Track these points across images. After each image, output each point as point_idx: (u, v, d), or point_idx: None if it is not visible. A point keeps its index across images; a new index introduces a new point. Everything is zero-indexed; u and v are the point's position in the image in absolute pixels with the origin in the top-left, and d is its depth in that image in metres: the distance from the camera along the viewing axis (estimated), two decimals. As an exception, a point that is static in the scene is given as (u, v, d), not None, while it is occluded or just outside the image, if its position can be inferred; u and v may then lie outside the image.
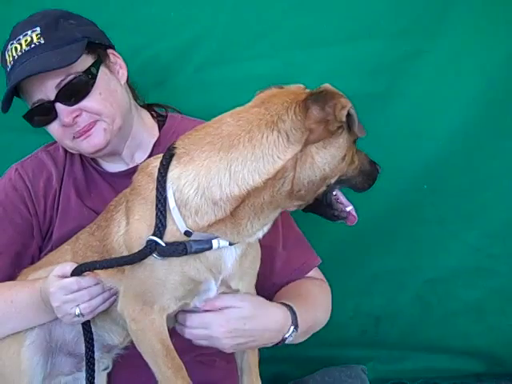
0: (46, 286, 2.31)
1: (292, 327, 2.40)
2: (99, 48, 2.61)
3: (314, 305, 2.61)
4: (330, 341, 3.17)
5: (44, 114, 2.55)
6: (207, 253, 2.10)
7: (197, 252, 2.06)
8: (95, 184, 2.72)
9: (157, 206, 2.09)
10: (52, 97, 2.50)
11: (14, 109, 2.88)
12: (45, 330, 2.45)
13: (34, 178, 2.68)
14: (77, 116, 2.51)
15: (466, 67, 3.07)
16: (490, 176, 3.22)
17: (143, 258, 2.09)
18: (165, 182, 2.05)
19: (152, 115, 2.86)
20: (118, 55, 2.70)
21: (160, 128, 2.81)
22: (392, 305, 3.46)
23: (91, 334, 2.35)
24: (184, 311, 2.26)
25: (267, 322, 2.35)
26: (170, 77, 3.10)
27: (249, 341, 2.32)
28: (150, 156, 2.70)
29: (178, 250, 2.06)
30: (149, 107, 2.88)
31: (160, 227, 2.07)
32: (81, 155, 2.72)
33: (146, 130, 2.78)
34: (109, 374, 2.61)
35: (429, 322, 3.48)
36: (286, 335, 2.39)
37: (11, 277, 2.61)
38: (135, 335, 2.20)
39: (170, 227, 2.08)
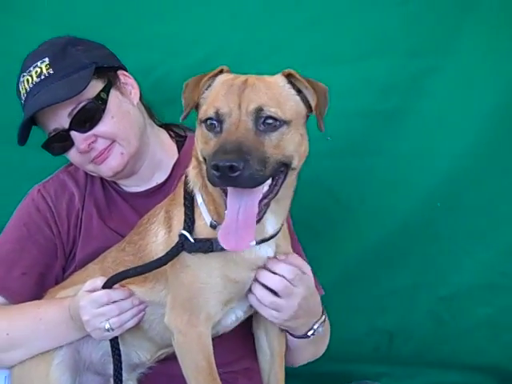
0: (76, 302, 2.40)
1: (324, 316, 2.52)
2: (108, 71, 2.72)
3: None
4: (343, 357, 3.25)
5: (61, 142, 2.68)
6: (244, 254, 2.21)
7: (223, 249, 2.13)
8: (115, 204, 2.83)
9: (184, 202, 2.25)
10: (66, 125, 2.63)
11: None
12: (73, 350, 2.53)
13: (57, 198, 2.78)
14: (92, 142, 2.64)
15: (478, 85, 3.18)
16: (503, 193, 3.31)
17: (175, 255, 2.20)
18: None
19: (170, 135, 2.96)
20: (129, 75, 2.81)
21: (179, 148, 2.91)
22: (406, 321, 3.54)
23: (119, 351, 2.43)
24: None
25: (316, 302, 2.48)
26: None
27: (302, 315, 2.39)
28: (170, 176, 2.83)
29: (204, 246, 2.18)
30: (166, 127, 2.98)
31: (188, 221, 2.21)
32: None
33: (165, 149, 2.89)
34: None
35: (442, 339, 3.56)
36: (316, 325, 2.48)
37: (36, 297, 2.69)
38: (181, 349, 2.29)
39: (198, 222, 2.23)
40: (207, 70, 3.09)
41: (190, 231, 2.21)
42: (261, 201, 2.08)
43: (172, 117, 3.01)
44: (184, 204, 2.26)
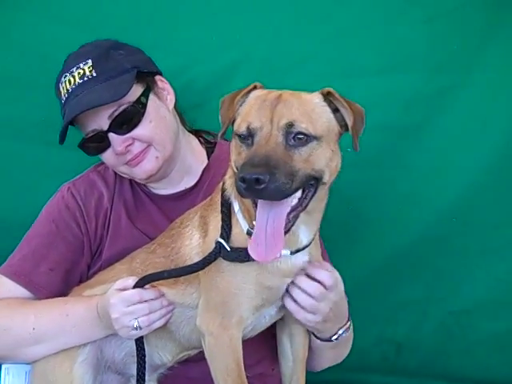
0: (105, 300, 2.45)
1: (349, 322, 2.62)
2: (147, 76, 2.78)
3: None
4: (351, 366, 3.27)
5: (98, 142, 2.73)
6: (279, 264, 2.28)
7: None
8: (143, 206, 2.88)
9: (221, 210, 2.32)
10: (105, 127, 2.68)
11: (54, 124, 3.08)
12: (96, 348, 2.58)
13: (86, 197, 2.83)
14: (129, 145, 2.69)
15: (501, 103, 3.22)
16: (518, 211, 3.39)
17: (212, 261, 2.27)
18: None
19: (200, 141, 3.02)
20: (166, 81, 2.87)
21: (209, 154, 2.97)
22: (415, 333, 3.58)
23: (144, 351, 2.48)
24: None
25: (344, 307, 2.58)
26: (208, 100, 3.18)
27: (331, 318, 2.48)
28: (198, 181, 2.89)
29: (241, 256, 2.24)
30: (196, 133, 3.04)
31: (225, 228, 2.28)
32: None
33: (195, 155, 2.94)
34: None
35: (450, 352, 3.60)
36: (341, 331, 2.58)
37: (61, 293, 2.74)
38: (211, 351, 2.34)
39: (234, 230, 2.30)
40: (233, 76, 3.22)
41: (227, 239, 2.27)
42: (289, 213, 2.14)
43: (194, 121, 3.11)
44: (221, 211, 2.32)
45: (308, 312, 2.41)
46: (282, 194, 2.04)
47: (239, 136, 2.17)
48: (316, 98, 2.23)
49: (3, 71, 3.20)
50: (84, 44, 2.81)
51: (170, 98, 2.85)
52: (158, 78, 2.84)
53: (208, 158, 2.96)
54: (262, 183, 1.97)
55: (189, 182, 2.90)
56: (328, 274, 2.39)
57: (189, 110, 3.06)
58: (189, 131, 2.98)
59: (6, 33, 3.18)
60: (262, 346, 2.71)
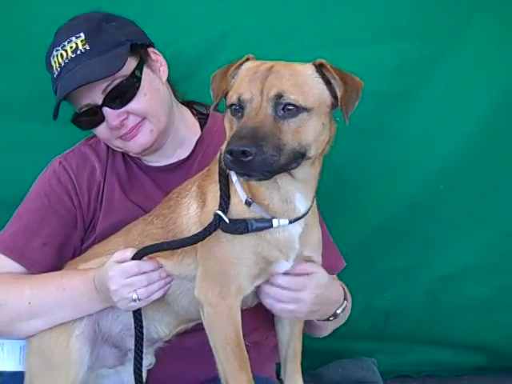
0: (103, 272, 2.45)
1: (345, 302, 2.66)
2: (141, 49, 2.74)
3: (348, 294, 2.80)
4: (340, 334, 3.32)
5: (92, 117, 2.69)
6: (276, 234, 2.29)
7: (258, 230, 2.24)
8: (137, 178, 2.86)
9: (219, 180, 2.31)
10: (99, 101, 2.64)
11: (41, 100, 3.03)
12: (93, 322, 2.57)
13: (78, 170, 2.80)
14: (124, 119, 2.66)
15: (487, 71, 3.24)
16: (505, 177, 3.40)
17: (211, 233, 2.26)
18: None
19: (192, 112, 2.99)
20: (159, 53, 2.83)
21: (201, 125, 2.95)
22: (402, 300, 3.65)
23: (141, 322, 2.47)
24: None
25: (335, 292, 2.61)
26: (196, 72, 3.20)
27: (321, 308, 2.52)
28: (192, 153, 2.87)
29: (240, 227, 2.25)
30: (188, 104, 3.01)
31: (223, 200, 2.27)
32: None
33: (188, 126, 2.92)
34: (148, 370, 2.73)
35: (437, 317, 3.68)
36: (339, 310, 2.63)
37: (55, 267, 2.72)
38: (210, 321, 2.34)
39: (233, 200, 2.30)
40: (222, 48, 3.20)
41: (225, 210, 2.26)
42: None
43: (187, 94, 3.08)
44: (219, 180, 2.31)
45: (284, 312, 2.46)
46: (269, 167, 2.03)
47: (230, 108, 2.17)
48: (308, 70, 2.20)
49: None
50: (74, 17, 2.74)
51: (163, 70, 2.82)
52: (150, 49, 2.80)
53: (201, 130, 2.94)
54: (248, 155, 1.96)
55: (182, 153, 2.88)
56: (290, 280, 2.39)
57: (178, 82, 3.02)
58: (181, 103, 2.96)
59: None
60: (257, 315, 2.69)
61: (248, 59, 2.29)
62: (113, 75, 2.59)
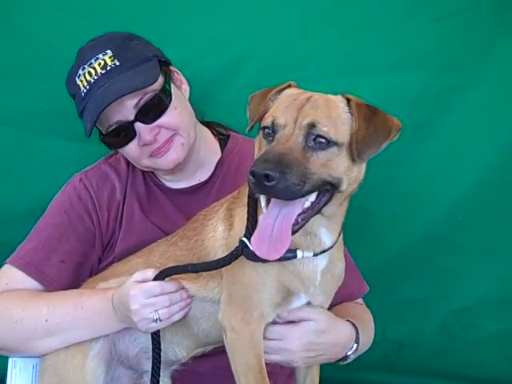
0: (123, 292, 2.44)
1: (355, 345, 2.62)
2: (165, 66, 2.77)
3: (367, 327, 2.80)
4: (352, 365, 3.30)
5: (123, 134, 2.69)
6: (300, 266, 2.30)
7: (281, 260, 2.21)
8: (156, 199, 2.86)
9: (248, 204, 2.30)
10: (131, 117, 2.65)
11: (53, 113, 3.10)
12: (109, 343, 2.57)
13: (99, 189, 2.81)
14: (156, 134, 2.67)
15: (507, 103, 3.27)
16: (522, 211, 3.43)
17: (237, 257, 2.25)
18: None
19: (213, 133, 3.02)
20: (179, 71, 2.86)
21: (222, 147, 2.97)
22: (417, 332, 3.63)
23: (160, 344, 2.46)
24: None
25: (337, 336, 2.55)
26: (214, 93, 3.26)
27: (319, 354, 2.50)
28: (213, 175, 2.89)
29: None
30: (208, 125, 3.03)
31: (250, 226, 2.25)
32: (142, 169, 2.86)
33: (208, 147, 2.94)
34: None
35: (451, 351, 3.65)
36: (349, 352, 2.61)
37: (72, 285, 2.72)
38: (232, 346, 2.34)
39: None
40: (240, 70, 3.26)
41: (251, 235, 2.23)
42: (299, 215, 2.13)
43: (205, 115, 3.11)
44: (248, 204, 2.31)
45: (272, 354, 2.44)
46: (291, 195, 2.02)
47: (263, 130, 2.18)
48: (341, 102, 2.20)
49: (5, 59, 3.18)
50: (95, 37, 2.77)
51: (185, 88, 2.86)
52: (171, 68, 2.83)
53: (221, 151, 2.96)
54: (271, 180, 1.96)
55: (202, 175, 2.90)
56: (272, 328, 2.40)
57: (196, 103, 3.02)
58: (201, 122, 2.97)
59: (10, 20, 3.17)
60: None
61: (290, 86, 2.31)
62: (143, 90, 2.61)
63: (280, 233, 2.11)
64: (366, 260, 3.42)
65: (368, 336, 2.79)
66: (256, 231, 2.16)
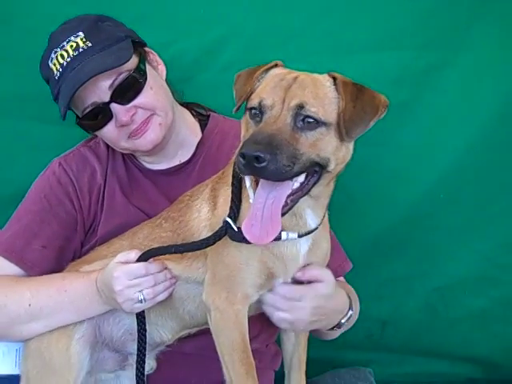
0: (106, 274, 2.44)
1: (350, 311, 2.66)
2: (139, 46, 2.75)
3: (355, 298, 2.84)
4: (336, 344, 3.34)
5: (99, 116, 2.67)
6: (283, 248, 2.30)
7: None
8: (137, 181, 2.85)
9: (232, 183, 2.31)
10: (106, 98, 2.64)
11: (30, 97, 3.08)
12: (94, 326, 2.56)
13: (79, 172, 2.79)
14: (133, 114, 2.66)
15: (487, 81, 3.28)
16: (503, 188, 3.42)
17: (221, 238, 2.26)
18: None
19: (192, 114, 3.00)
20: (154, 52, 2.84)
21: (202, 127, 2.97)
22: (399, 310, 3.66)
23: (145, 325, 2.47)
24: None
25: (338, 302, 2.60)
26: (196, 74, 3.24)
27: (321, 319, 2.52)
28: (194, 155, 2.88)
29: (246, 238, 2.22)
30: (188, 106, 3.02)
31: (234, 206, 2.27)
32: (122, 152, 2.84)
33: (188, 128, 2.93)
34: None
35: (433, 328, 3.70)
36: (343, 320, 2.64)
37: (55, 270, 2.71)
38: (217, 325, 2.35)
39: (244, 204, 2.30)
40: (221, 51, 3.24)
41: (236, 215, 2.26)
42: (288, 196, 2.13)
43: (185, 96, 3.10)
44: (232, 183, 2.31)
45: (282, 322, 2.46)
46: (281, 176, 2.03)
47: (250, 111, 2.17)
48: (327, 81, 2.20)
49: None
50: (66, 20, 2.74)
51: (161, 69, 2.84)
52: (146, 48, 2.82)
53: (202, 131, 2.96)
54: (261, 162, 1.96)
55: (183, 155, 2.89)
56: (287, 288, 2.39)
57: (176, 84, 3.02)
58: (180, 104, 2.96)
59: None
60: (257, 323, 2.70)
61: (276, 65, 2.30)
62: (116, 69, 2.59)
63: (270, 217, 2.11)
64: (349, 239, 3.41)
65: (356, 307, 2.81)
66: (247, 217, 2.16)
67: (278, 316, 2.43)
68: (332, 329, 2.67)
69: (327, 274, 2.46)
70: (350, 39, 3.23)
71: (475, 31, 3.23)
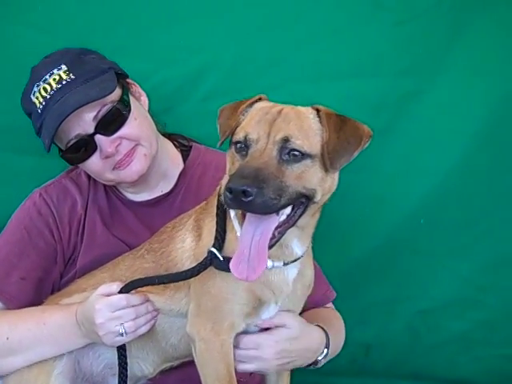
0: (87, 306, 2.41)
1: (326, 349, 2.63)
2: (121, 78, 2.76)
3: (337, 331, 2.83)
4: (319, 369, 3.30)
5: (83, 149, 2.66)
6: (271, 276, 2.30)
7: None
8: (119, 213, 2.84)
9: (217, 214, 2.31)
10: (91, 130, 2.62)
11: (11, 129, 3.09)
12: (73, 360, 2.54)
13: (59, 203, 2.78)
14: (118, 145, 2.65)
15: (465, 106, 3.31)
16: (482, 211, 3.45)
17: (206, 268, 2.26)
18: None
19: (174, 145, 3.00)
20: (136, 84, 2.85)
21: (184, 158, 2.96)
22: (383, 334, 3.66)
23: (126, 358, 2.44)
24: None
25: (309, 342, 2.57)
26: (176, 104, 3.25)
27: (291, 361, 2.51)
28: (175, 185, 2.88)
29: None
30: (170, 137, 3.02)
31: (219, 236, 2.28)
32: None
33: (170, 158, 2.93)
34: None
35: (417, 352, 3.69)
36: (320, 357, 2.62)
37: (33, 302, 2.68)
38: (201, 357, 2.34)
39: (229, 236, 2.30)
40: (201, 80, 3.26)
41: (221, 245, 2.27)
42: (276, 228, 2.14)
43: (167, 127, 3.09)
44: (217, 214, 2.32)
45: (246, 363, 2.44)
46: (269, 209, 2.04)
47: (235, 145, 2.18)
48: (311, 114, 2.22)
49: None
50: (48, 54, 2.75)
51: (144, 100, 2.85)
52: (128, 80, 2.82)
53: (184, 162, 2.95)
54: (248, 196, 1.97)
55: (165, 186, 2.88)
56: (245, 339, 2.40)
57: (157, 115, 3.02)
58: (162, 135, 2.96)
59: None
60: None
61: (260, 99, 2.32)
62: (100, 101, 2.58)
63: (257, 254, 2.12)
64: (331, 264, 3.41)
65: (339, 340, 2.81)
66: (235, 254, 2.15)
67: (241, 367, 2.43)
68: (309, 366, 2.65)
69: (290, 317, 2.46)
70: (329, 66, 3.26)
71: (452, 57, 3.27)
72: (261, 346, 2.41)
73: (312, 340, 2.59)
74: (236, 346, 2.39)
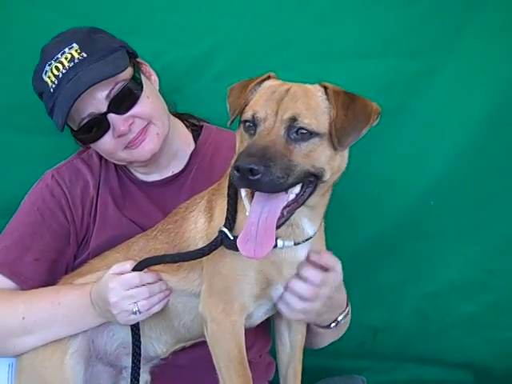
0: (101, 285, 2.43)
1: (347, 308, 2.68)
2: (132, 57, 2.75)
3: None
4: (329, 352, 3.33)
5: (96, 128, 2.65)
6: (281, 255, 2.30)
7: None
8: (130, 193, 2.84)
9: (228, 194, 2.31)
10: (104, 109, 2.62)
11: (22, 109, 3.07)
12: (88, 339, 2.55)
13: (71, 184, 2.78)
14: (131, 123, 2.65)
15: (476, 88, 3.29)
16: (492, 193, 3.43)
17: (217, 248, 2.26)
18: None
19: (185, 125, 3.00)
20: (146, 63, 2.84)
21: (195, 138, 2.96)
22: (391, 317, 3.67)
23: (140, 338, 2.45)
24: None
25: (343, 295, 2.64)
26: (187, 84, 3.24)
27: (327, 310, 2.53)
28: (186, 166, 2.87)
29: None
30: (180, 117, 3.01)
31: (230, 216, 2.28)
32: (115, 164, 2.83)
33: (181, 138, 2.93)
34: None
35: (425, 335, 3.69)
36: (340, 317, 2.64)
37: (47, 283, 2.69)
38: (213, 337, 2.34)
39: (240, 216, 2.29)
40: (212, 61, 3.24)
41: (231, 225, 2.27)
42: (284, 208, 2.14)
43: (177, 107, 3.10)
44: (228, 194, 2.32)
45: (300, 312, 2.43)
46: (276, 188, 2.04)
47: (244, 124, 2.18)
48: (319, 91, 2.21)
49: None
50: (59, 34, 2.73)
51: (154, 79, 2.84)
52: (139, 60, 2.82)
53: (195, 142, 2.95)
54: (255, 174, 1.97)
55: (176, 166, 2.88)
56: (316, 273, 2.37)
57: (168, 95, 3.01)
58: (173, 115, 2.95)
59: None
60: (251, 334, 2.67)
61: (269, 77, 2.32)
62: (114, 78, 2.58)
63: (265, 232, 2.12)
64: (340, 246, 3.42)
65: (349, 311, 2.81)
66: (242, 232, 2.15)
67: (300, 306, 2.39)
68: (328, 326, 2.65)
69: (339, 263, 2.48)
70: (340, 46, 3.24)
71: (463, 37, 3.25)
72: (326, 284, 2.40)
73: (343, 294, 2.64)
74: (306, 279, 2.35)
